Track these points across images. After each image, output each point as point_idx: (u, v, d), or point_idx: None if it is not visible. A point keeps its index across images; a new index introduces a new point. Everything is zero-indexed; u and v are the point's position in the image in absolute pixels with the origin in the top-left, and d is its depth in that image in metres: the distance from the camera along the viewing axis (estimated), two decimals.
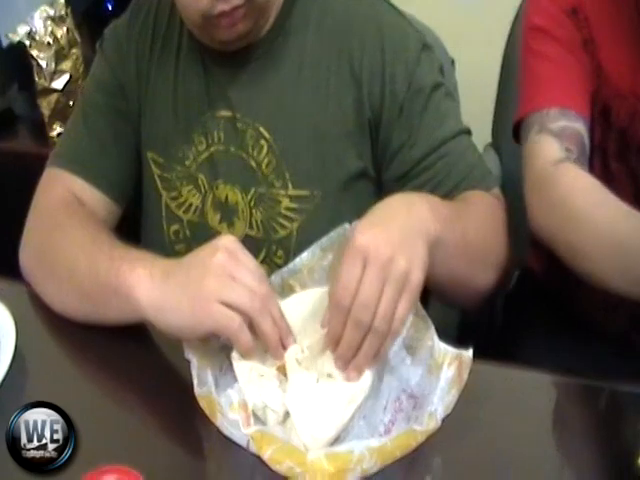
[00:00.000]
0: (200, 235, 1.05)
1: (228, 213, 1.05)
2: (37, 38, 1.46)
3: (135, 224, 1.15)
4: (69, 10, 1.52)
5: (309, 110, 1.01)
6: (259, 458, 0.73)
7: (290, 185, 1.01)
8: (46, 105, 1.50)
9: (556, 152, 0.96)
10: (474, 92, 1.15)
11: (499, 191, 1.02)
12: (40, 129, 1.53)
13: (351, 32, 1.01)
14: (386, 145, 1.00)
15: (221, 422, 0.77)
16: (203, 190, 1.06)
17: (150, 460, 0.75)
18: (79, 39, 1.54)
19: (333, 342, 0.77)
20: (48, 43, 1.47)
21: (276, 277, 0.90)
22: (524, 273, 1.24)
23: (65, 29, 1.50)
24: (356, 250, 0.75)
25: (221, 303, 0.77)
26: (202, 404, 0.79)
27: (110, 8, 1.81)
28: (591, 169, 1.00)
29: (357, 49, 1.00)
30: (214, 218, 1.06)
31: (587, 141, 0.99)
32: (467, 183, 0.99)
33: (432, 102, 1.00)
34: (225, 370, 0.83)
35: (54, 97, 1.49)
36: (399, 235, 0.78)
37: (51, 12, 1.49)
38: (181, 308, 0.79)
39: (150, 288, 0.81)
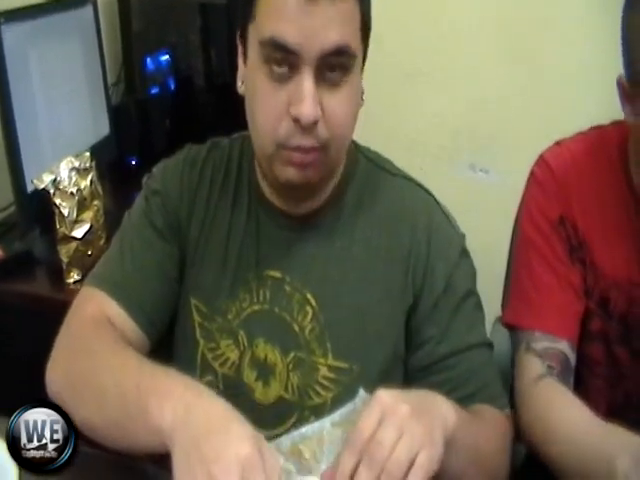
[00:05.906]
0: (233, 390, 1.05)
1: (265, 372, 1.06)
2: (61, 187, 1.49)
3: None
4: (93, 163, 1.58)
5: (356, 287, 1.04)
6: None
7: (330, 355, 1.03)
8: (65, 252, 1.52)
9: (538, 369, 1.06)
10: (485, 266, 1.19)
11: (509, 413, 1.06)
12: (58, 275, 1.54)
13: (403, 221, 1.06)
14: (416, 334, 1.04)
15: None
16: (242, 347, 1.06)
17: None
18: (101, 192, 1.60)
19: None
20: (71, 193, 1.50)
21: (286, 440, 0.90)
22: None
23: (89, 181, 1.55)
24: (377, 402, 0.79)
25: None
26: None
27: (133, 163, 1.88)
28: (595, 354, 1.10)
29: (407, 237, 1.05)
30: (250, 376, 1.06)
31: (572, 357, 1.09)
32: (484, 395, 1.02)
33: (464, 307, 1.05)
34: None
35: (73, 245, 1.52)
36: (420, 407, 0.80)
37: (76, 163, 1.54)
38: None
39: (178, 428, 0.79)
